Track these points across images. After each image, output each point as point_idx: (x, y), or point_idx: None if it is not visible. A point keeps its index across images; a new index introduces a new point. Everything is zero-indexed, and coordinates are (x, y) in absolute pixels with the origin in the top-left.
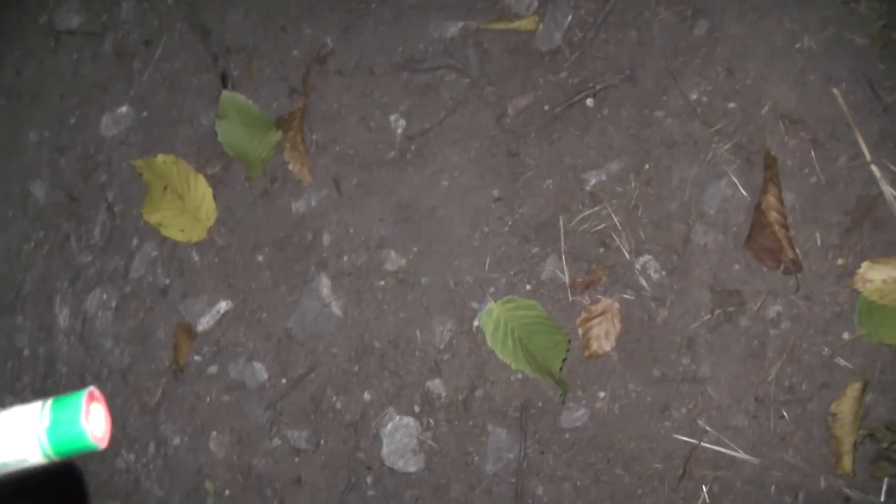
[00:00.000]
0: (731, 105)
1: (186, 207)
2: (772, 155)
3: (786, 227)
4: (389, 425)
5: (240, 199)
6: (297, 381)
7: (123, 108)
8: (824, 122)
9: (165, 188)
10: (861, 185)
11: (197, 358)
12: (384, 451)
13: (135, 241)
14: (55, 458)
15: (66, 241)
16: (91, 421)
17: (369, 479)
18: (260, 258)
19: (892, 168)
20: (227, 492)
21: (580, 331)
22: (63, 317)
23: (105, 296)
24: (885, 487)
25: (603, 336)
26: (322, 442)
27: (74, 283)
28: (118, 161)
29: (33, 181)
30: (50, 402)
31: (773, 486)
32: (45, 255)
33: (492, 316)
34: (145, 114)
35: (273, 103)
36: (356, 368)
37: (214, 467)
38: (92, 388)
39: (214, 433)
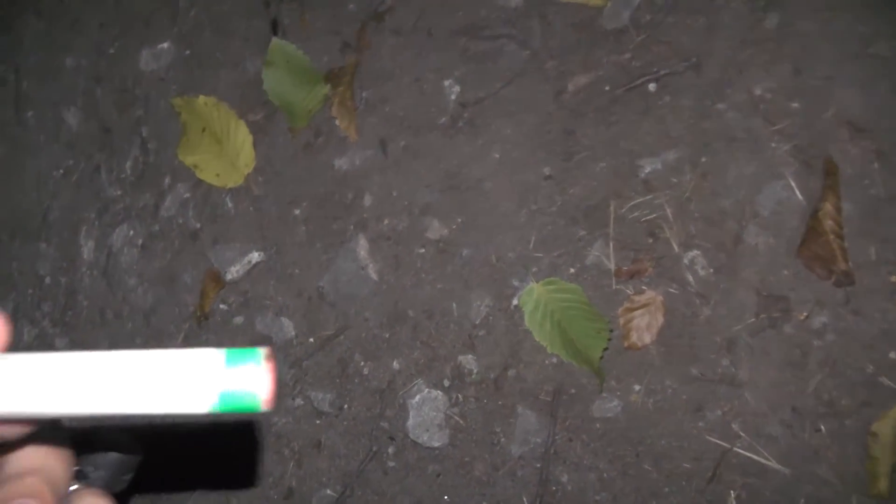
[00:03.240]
0: (795, 105)
1: (224, 152)
2: (833, 161)
3: (841, 238)
4: (417, 397)
5: (280, 150)
6: (326, 342)
7: (165, 45)
8: (890, 133)
9: (204, 130)
10: None
11: (223, 307)
12: (410, 422)
13: (167, 181)
14: (219, 413)
15: (96, 173)
16: (265, 382)
17: (391, 450)
18: (297, 212)
19: None
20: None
21: (621, 320)
22: (88, 249)
23: (132, 232)
24: None
25: (644, 328)
26: (346, 407)
27: (102, 216)
28: (156, 97)
29: (67, 108)
30: (224, 354)
31: (803, 500)
32: (74, 185)
33: (532, 296)
34: (188, 53)
35: (323, 56)
36: (387, 335)
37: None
38: (268, 347)
39: None
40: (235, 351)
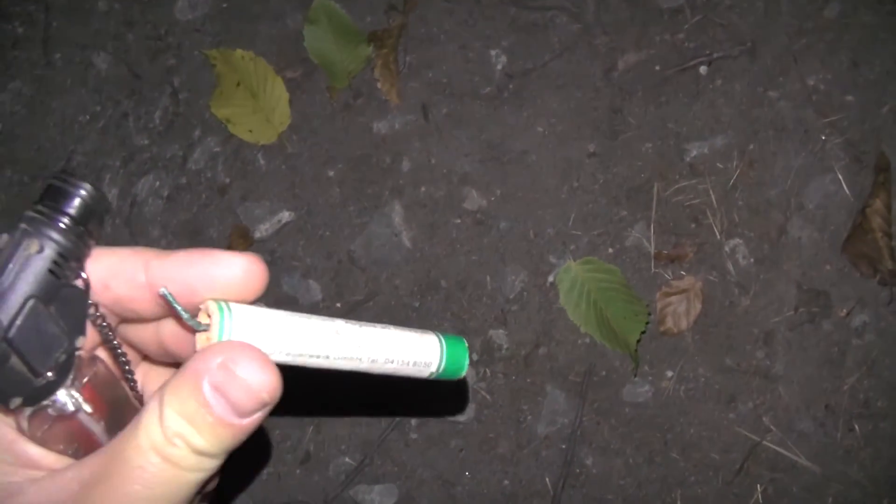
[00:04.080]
0: (850, 98)
1: (259, 108)
2: (886, 158)
3: (889, 237)
4: None
5: (318, 109)
6: (353, 308)
7: None
8: None
9: (239, 84)
10: None
11: None
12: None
13: (197, 133)
14: (436, 377)
15: (123, 120)
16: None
17: (414, 422)
18: (331, 173)
19: None
20: None
21: (658, 305)
22: (111, 197)
23: (158, 183)
24: None
25: (681, 314)
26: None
27: (127, 165)
28: (189, 47)
29: (96, 52)
30: (444, 341)
31: (831, 499)
32: (100, 130)
33: (569, 274)
34: (225, 4)
35: (367, 17)
36: (417, 304)
37: None
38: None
39: None
40: (450, 339)
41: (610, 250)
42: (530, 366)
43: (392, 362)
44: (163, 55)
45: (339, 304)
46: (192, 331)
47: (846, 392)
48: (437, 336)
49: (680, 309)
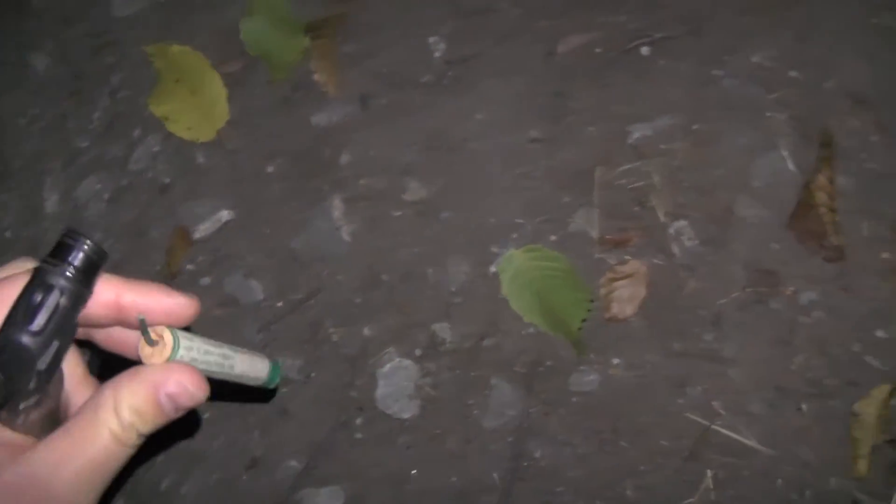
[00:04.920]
0: (795, 74)
1: (198, 104)
2: (830, 133)
3: (834, 212)
4: (388, 366)
5: (257, 103)
6: (296, 306)
7: None
8: (891, 106)
9: (177, 80)
10: None
11: (190, 266)
12: (379, 392)
13: (137, 132)
14: (264, 385)
15: (62, 121)
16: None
17: (359, 421)
18: (271, 169)
19: None
20: (206, 414)
21: (602, 291)
22: (52, 202)
23: (99, 185)
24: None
25: (626, 300)
26: (314, 374)
27: (68, 168)
28: (129, 44)
29: (34, 52)
30: (272, 365)
31: (781, 480)
32: (39, 133)
33: (512, 263)
34: None
35: (306, 7)
36: (360, 300)
37: None
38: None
39: None
40: (275, 366)
41: (554, 237)
42: (475, 358)
43: (250, 375)
44: (102, 53)
45: (280, 304)
46: (147, 343)
47: (796, 372)
48: (269, 360)
49: (625, 294)
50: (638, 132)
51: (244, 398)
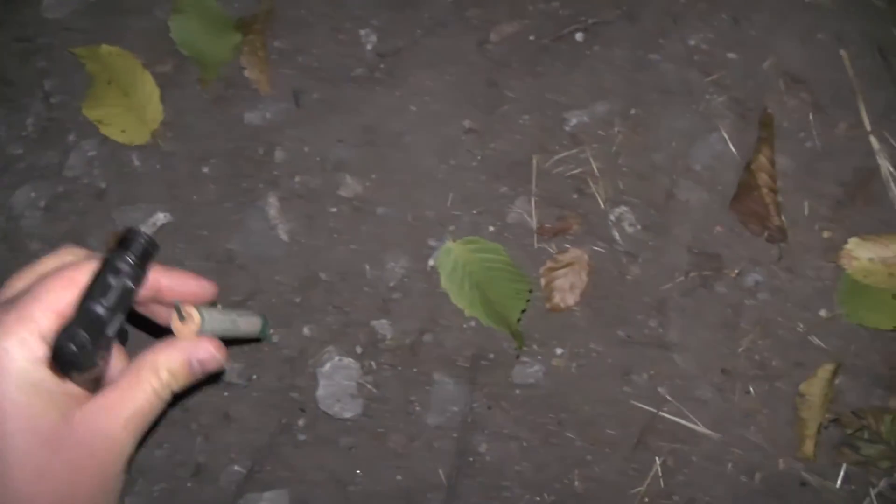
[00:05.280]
0: (732, 56)
1: (132, 106)
2: (769, 113)
3: (775, 192)
4: (328, 365)
5: (190, 103)
6: (235, 308)
7: None
8: (828, 85)
9: (110, 82)
10: (859, 157)
11: None
12: (320, 392)
13: (72, 137)
14: (258, 337)
15: None
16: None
17: (301, 423)
18: (206, 169)
19: (892, 142)
20: None
21: (543, 281)
22: None
23: (34, 194)
24: (842, 474)
25: (567, 289)
26: (255, 377)
27: (1, 177)
28: (60, 47)
29: None
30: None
31: (731, 464)
32: None
33: (450, 256)
34: None
35: (235, 2)
36: (298, 300)
37: None
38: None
39: None
40: (265, 321)
41: (492, 228)
42: (416, 354)
43: (249, 331)
44: (33, 57)
45: (220, 306)
46: (180, 320)
47: (742, 354)
48: (260, 317)
49: (566, 283)
50: (574, 119)
51: (186, 404)
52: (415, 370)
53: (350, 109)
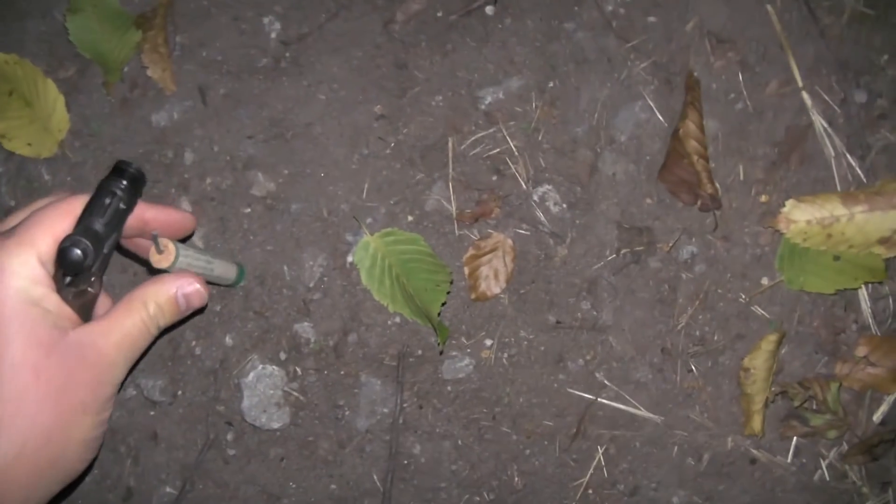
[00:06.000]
0: (652, 19)
1: (35, 117)
2: (694, 76)
3: (705, 158)
4: (251, 375)
5: (96, 108)
6: None
7: None
8: (755, 43)
9: (10, 93)
10: (791, 115)
11: None
12: (245, 404)
13: None
14: (233, 284)
15: None
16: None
17: (230, 437)
18: None
19: (825, 97)
20: None
21: (466, 269)
22: None
23: None
24: (792, 447)
25: (492, 276)
26: (179, 393)
27: None
28: None
29: None
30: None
31: (676, 447)
32: None
33: (368, 250)
34: None
35: None
36: (218, 308)
37: None
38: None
39: None
40: (242, 269)
41: (410, 218)
42: (341, 356)
43: (224, 276)
44: None
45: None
46: (157, 252)
47: (681, 331)
48: (237, 264)
49: (490, 270)
50: (489, 97)
51: (112, 426)
52: (341, 373)
53: (257, 103)
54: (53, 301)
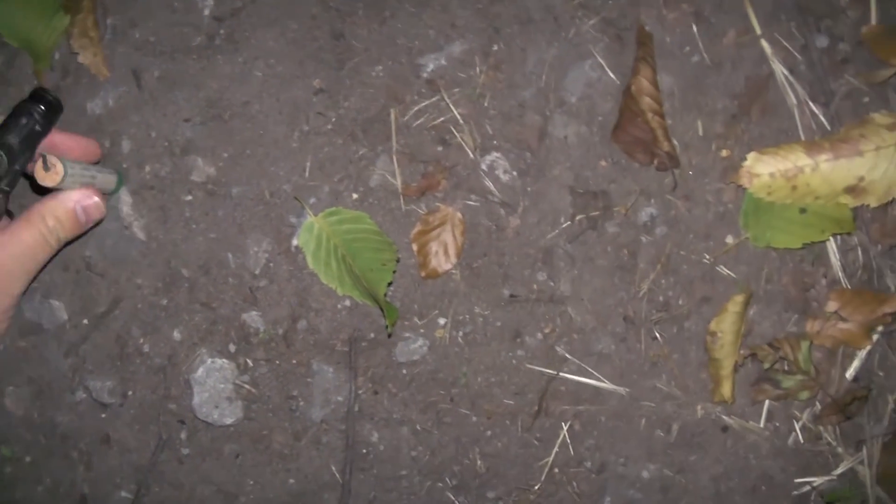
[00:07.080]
0: None
1: None
2: (646, 30)
3: (661, 115)
4: (200, 370)
5: None
6: (100, 320)
7: None
8: None
9: None
10: (750, 65)
11: None
12: (195, 400)
13: None
14: (114, 192)
15: None
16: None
17: (183, 435)
18: None
19: (785, 44)
20: (27, 457)
21: (415, 246)
22: None
23: None
24: (765, 411)
25: (442, 251)
26: (129, 393)
27: None
28: None
29: None
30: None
31: (644, 420)
32: None
33: (312, 232)
34: None
35: None
36: (164, 301)
37: (12, 428)
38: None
39: (11, 388)
40: (120, 176)
41: (355, 196)
42: (292, 344)
43: (105, 187)
44: None
45: (85, 321)
46: (44, 169)
47: (644, 297)
48: (115, 173)
49: (440, 245)
50: (431, 64)
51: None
52: (293, 362)
53: (193, 84)
54: None
